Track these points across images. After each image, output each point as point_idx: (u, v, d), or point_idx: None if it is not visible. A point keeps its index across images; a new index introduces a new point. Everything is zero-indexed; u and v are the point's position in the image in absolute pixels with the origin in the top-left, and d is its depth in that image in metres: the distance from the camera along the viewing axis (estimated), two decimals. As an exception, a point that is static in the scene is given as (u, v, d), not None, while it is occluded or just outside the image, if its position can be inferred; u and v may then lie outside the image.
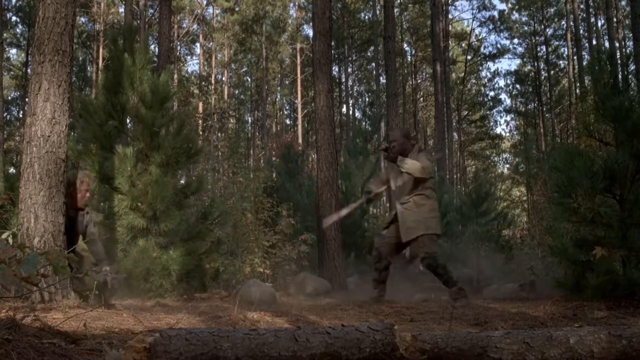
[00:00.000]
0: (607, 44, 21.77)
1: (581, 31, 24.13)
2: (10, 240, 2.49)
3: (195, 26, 30.30)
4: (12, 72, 26.83)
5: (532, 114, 31.48)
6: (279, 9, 30.09)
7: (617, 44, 22.33)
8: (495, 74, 45.94)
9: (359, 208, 6.57)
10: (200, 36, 30.88)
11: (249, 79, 34.45)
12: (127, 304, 4.12)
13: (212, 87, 31.39)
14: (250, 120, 35.14)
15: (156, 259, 5.17)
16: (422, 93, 34.34)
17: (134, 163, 5.40)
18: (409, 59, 32.02)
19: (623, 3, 24.75)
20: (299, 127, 29.72)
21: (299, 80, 29.38)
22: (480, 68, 33.58)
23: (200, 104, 30.58)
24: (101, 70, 20.97)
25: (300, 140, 26.37)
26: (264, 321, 3.43)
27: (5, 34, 20.95)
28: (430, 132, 32.82)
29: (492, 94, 34.07)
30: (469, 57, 30.46)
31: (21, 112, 25.51)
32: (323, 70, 7.63)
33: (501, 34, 34.42)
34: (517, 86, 32.71)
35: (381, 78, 24.65)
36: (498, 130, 54.28)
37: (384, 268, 5.16)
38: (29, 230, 3.98)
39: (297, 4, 30.46)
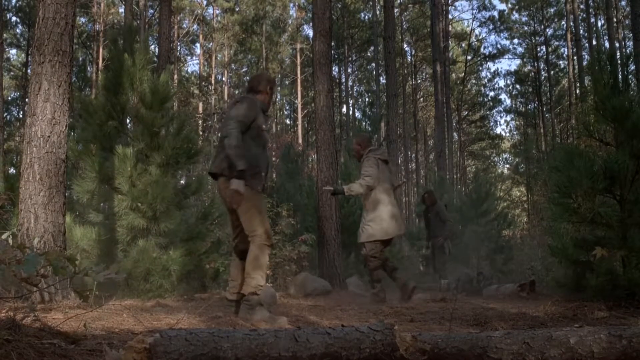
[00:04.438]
0: (607, 44, 21.77)
1: (581, 31, 24.12)
2: (10, 241, 2.49)
3: (195, 26, 30.31)
4: (12, 72, 26.82)
5: (532, 114, 31.46)
6: (279, 9, 30.09)
7: (617, 44, 22.34)
8: (495, 74, 46.08)
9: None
10: (200, 36, 30.87)
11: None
12: (127, 304, 4.12)
13: (212, 87, 31.39)
14: (250, 121, 35.03)
15: (156, 259, 5.16)
16: (422, 93, 34.33)
17: (134, 163, 5.39)
18: (409, 59, 32.00)
19: (623, 3, 24.76)
20: (299, 127, 29.73)
21: (299, 81, 29.38)
22: (480, 68, 33.59)
23: (200, 104, 30.59)
24: (101, 71, 20.97)
25: (300, 140, 26.39)
26: (264, 321, 3.42)
27: (5, 34, 20.95)
28: (430, 132, 32.82)
29: (492, 94, 34.11)
30: (469, 57, 30.45)
31: (21, 112, 25.50)
32: (323, 71, 7.63)
33: (501, 34, 34.50)
34: (517, 86, 32.72)
35: (381, 78, 24.66)
36: (498, 130, 54.39)
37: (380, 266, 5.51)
38: (29, 231, 3.98)
39: (297, 4, 30.46)
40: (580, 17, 24.37)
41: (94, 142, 5.63)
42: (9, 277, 1.85)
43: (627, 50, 21.05)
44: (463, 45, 31.64)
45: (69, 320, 2.60)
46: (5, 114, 22.33)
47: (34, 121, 4.12)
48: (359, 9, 29.93)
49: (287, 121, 36.75)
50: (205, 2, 29.62)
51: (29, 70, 21.36)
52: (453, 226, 9.24)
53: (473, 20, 37.64)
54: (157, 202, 5.32)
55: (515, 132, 35.47)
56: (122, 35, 5.89)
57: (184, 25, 30.04)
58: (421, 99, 34.14)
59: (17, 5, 24.32)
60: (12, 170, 7.23)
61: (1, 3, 17.06)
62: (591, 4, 24.35)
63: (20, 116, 25.10)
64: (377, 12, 24.60)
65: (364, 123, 12.07)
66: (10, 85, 26.36)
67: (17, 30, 26.15)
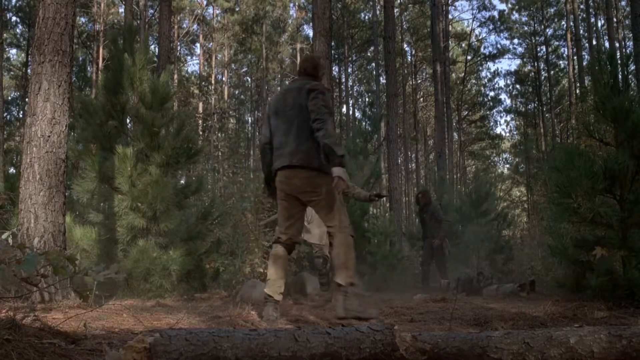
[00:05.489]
0: (607, 44, 21.77)
1: (581, 31, 24.11)
2: (10, 241, 2.49)
3: (195, 26, 30.30)
4: (12, 72, 26.82)
5: (532, 114, 31.45)
6: (279, 9, 30.10)
7: (617, 44, 22.33)
8: (495, 74, 46.06)
9: None
10: (200, 36, 30.87)
11: (249, 79, 34.45)
12: (127, 304, 4.12)
13: (212, 87, 31.38)
14: (250, 120, 35.11)
15: (156, 259, 5.16)
16: (422, 93, 34.32)
17: (134, 163, 5.39)
18: (409, 59, 31.99)
19: (623, 3, 24.76)
20: (299, 127, 29.60)
21: (299, 81, 29.29)
22: (480, 68, 33.57)
23: (200, 104, 30.57)
24: (101, 70, 20.96)
25: (300, 141, 26.21)
26: (264, 321, 3.42)
27: (5, 34, 20.95)
28: (430, 132, 32.81)
29: (492, 94, 34.08)
30: (469, 57, 30.43)
31: (21, 112, 25.48)
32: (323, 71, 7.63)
33: (501, 34, 34.48)
34: (517, 86, 32.70)
35: (381, 78, 24.63)
36: (498, 130, 54.38)
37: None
38: (29, 230, 3.98)
39: (297, 4, 30.47)
40: (580, 17, 24.37)
41: (94, 142, 5.63)
42: (9, 277, 1.85)
43: (627, 50, 21.06)
44: (463, 45, 31.62)
45: (69, 320, 2.59)
46: (5, 114, 22.32)
47: (34, 121, 4.12)
48: (359, 9, 29.92)
49: (287, 121, 36.61)
50: (205, 2, 29.63)
51: (29, 70, 21.35)
52: (449, 225, 9.22)
53: (473, 20, 37.72)
54: (157, 202, 5.32)
55: (515, 132, 35.47)
56: (122, 35, 5.89)
57: (184, 25, 30.05)
58: (421, 99, 34.12)
59: (17, 5, 24.31)
60: (12, 170, 7.24)
61: (1, 3, 17.07)
62: (591, 4, 24.34)
63: (20, 116, 25.09)
64: (377, 12, 24.59)
65: (364, 123, 12.03)
66: (10, 85, 26.36)
67: (17, 30, 26.14)
